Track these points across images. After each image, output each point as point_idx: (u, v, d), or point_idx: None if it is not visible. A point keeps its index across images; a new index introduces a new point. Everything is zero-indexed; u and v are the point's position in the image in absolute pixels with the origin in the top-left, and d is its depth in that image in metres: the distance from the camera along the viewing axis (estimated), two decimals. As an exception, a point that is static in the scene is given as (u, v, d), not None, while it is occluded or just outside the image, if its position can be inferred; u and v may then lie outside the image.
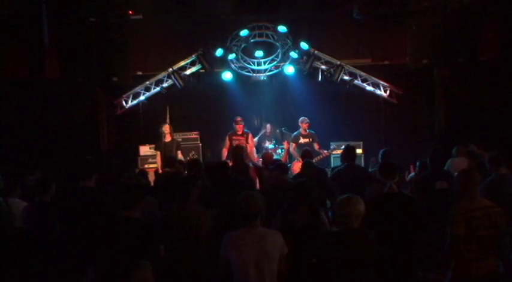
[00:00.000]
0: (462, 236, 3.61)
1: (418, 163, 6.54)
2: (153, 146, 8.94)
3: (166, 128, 8.55)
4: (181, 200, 4.23)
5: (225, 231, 3.57)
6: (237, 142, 8.56)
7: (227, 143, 8.78)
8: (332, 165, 9.28)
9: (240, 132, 8.75)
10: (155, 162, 8.78)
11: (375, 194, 4.48)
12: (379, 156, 6.40)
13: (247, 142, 8.71)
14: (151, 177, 7.39)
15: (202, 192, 4.48)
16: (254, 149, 9.08)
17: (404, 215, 3.97)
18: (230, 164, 6.60)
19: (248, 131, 8.98)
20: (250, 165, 7.77)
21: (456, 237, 3.63)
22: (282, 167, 5.96)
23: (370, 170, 7.26)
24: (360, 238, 3.47)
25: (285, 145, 9.37)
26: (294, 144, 8.92)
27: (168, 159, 6.81)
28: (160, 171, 8.01)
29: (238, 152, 6.90)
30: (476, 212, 3.64)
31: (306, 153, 6.78)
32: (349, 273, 3.42)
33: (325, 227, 4.23)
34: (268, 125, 10.13)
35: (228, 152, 8.49)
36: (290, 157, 9.37)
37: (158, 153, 8.57)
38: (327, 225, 4.27)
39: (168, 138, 8.58)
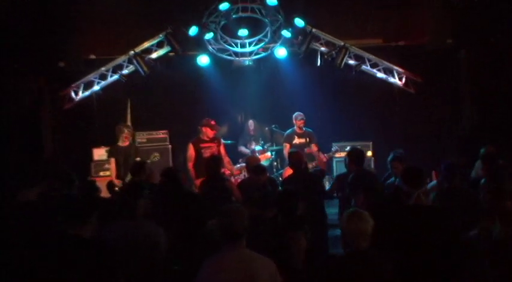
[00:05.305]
0: None
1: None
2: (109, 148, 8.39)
3: (127, 134, 7.91)
4: (126, 216, 3.97)
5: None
6: (208, 151, 7.72)
7: (191, 154, 7.77)
8: (335, 171, 8.85)
9: (209, 138, 7.87)
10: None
11: (397, 206, 4.09)
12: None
13: (219, 150, 7.89)
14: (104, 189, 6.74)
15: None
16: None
17: (438, 234, 3.62)
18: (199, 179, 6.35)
19: (219, 137, 8.28)
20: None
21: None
22: (258, 168, 5.92)
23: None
24: (369, 262, 3.33)
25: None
26: (287, 145, 8.45)
27: (134, 166, 6.26)
28: (116, 182, 7.39)
29: (215, 164, 6.11)
30: None
31: (295, 158, 6.17)
32: None
33: (298, 248, 4.16)
34: (251, 121, 9.45)
35: (195, 167, 7.51)
36: (283, 161, 8.94)
37: (112, 160, 7.88)
38: (300, 245, 4.17)
39: (125, 143, 7.92)
